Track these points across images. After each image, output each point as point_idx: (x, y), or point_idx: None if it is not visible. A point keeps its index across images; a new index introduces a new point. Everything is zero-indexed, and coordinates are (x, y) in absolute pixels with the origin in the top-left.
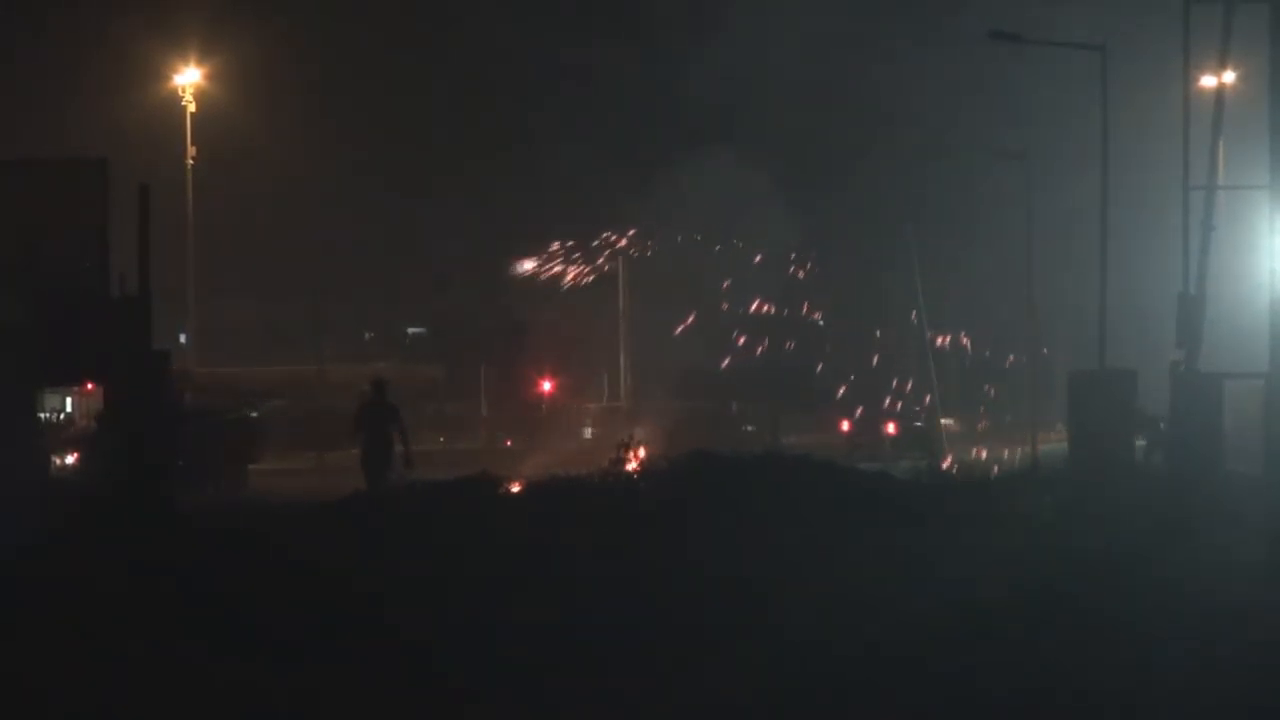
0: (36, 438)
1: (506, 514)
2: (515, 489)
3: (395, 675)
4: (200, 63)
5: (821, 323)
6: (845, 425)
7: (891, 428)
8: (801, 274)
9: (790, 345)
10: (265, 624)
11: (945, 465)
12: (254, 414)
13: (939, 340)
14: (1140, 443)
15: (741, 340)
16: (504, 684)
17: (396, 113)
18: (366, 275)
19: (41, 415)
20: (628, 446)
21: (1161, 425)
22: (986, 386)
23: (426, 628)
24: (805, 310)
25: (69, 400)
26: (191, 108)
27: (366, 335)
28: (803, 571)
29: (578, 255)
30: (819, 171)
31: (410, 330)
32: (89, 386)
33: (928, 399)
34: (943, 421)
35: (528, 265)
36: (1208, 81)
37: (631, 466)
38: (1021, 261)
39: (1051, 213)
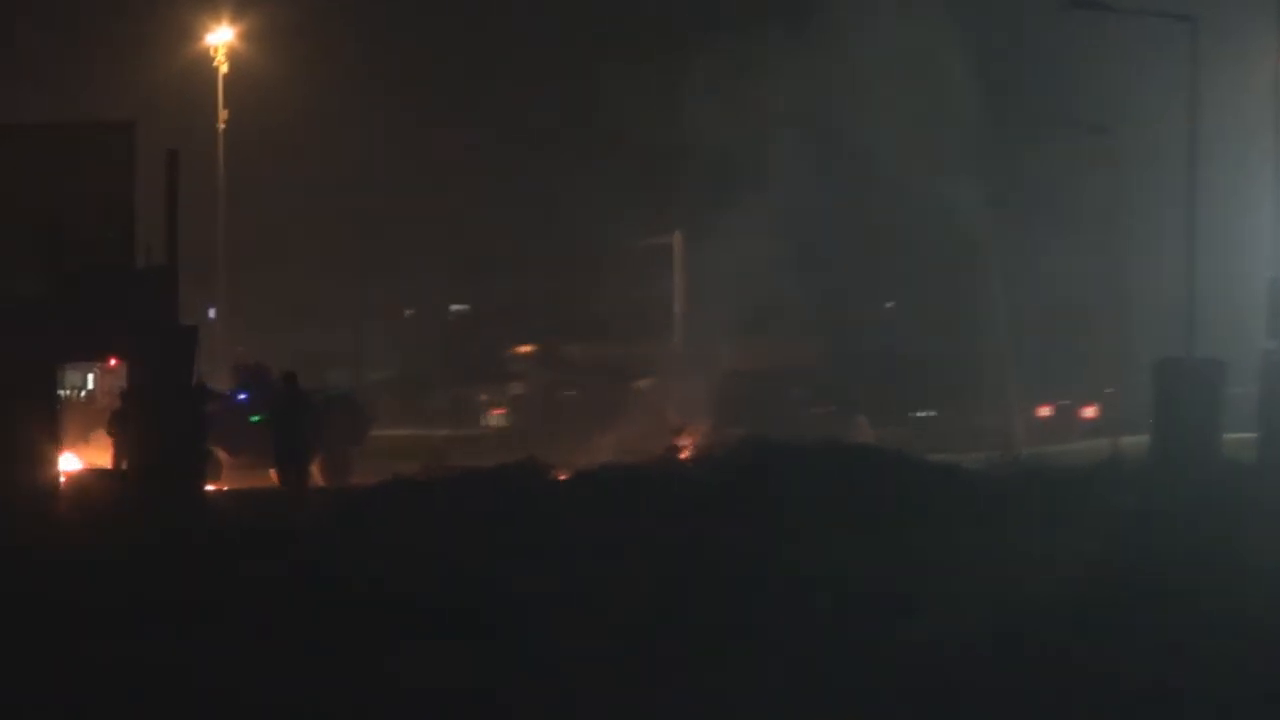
0: (53, 419)
1: (553, 506)
2: (562, 477)
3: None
4: (234, 21)
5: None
6: (1045, 410)
7: (1091, 411)
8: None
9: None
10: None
11: (1019, 457)
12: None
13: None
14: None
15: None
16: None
17: (447, 75)
18: (408, 248)
19: (62, 393)
20: (680, 433)
21: None
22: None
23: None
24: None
25: (90, 377)
26: (224, 69)
27: (406, 312)
28: (872, 572)
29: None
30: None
31: (453, 308)
32: (112, 363)
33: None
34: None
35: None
36: None
37: (685, 454)
38: (1099, 243)
39: (1133, 192)
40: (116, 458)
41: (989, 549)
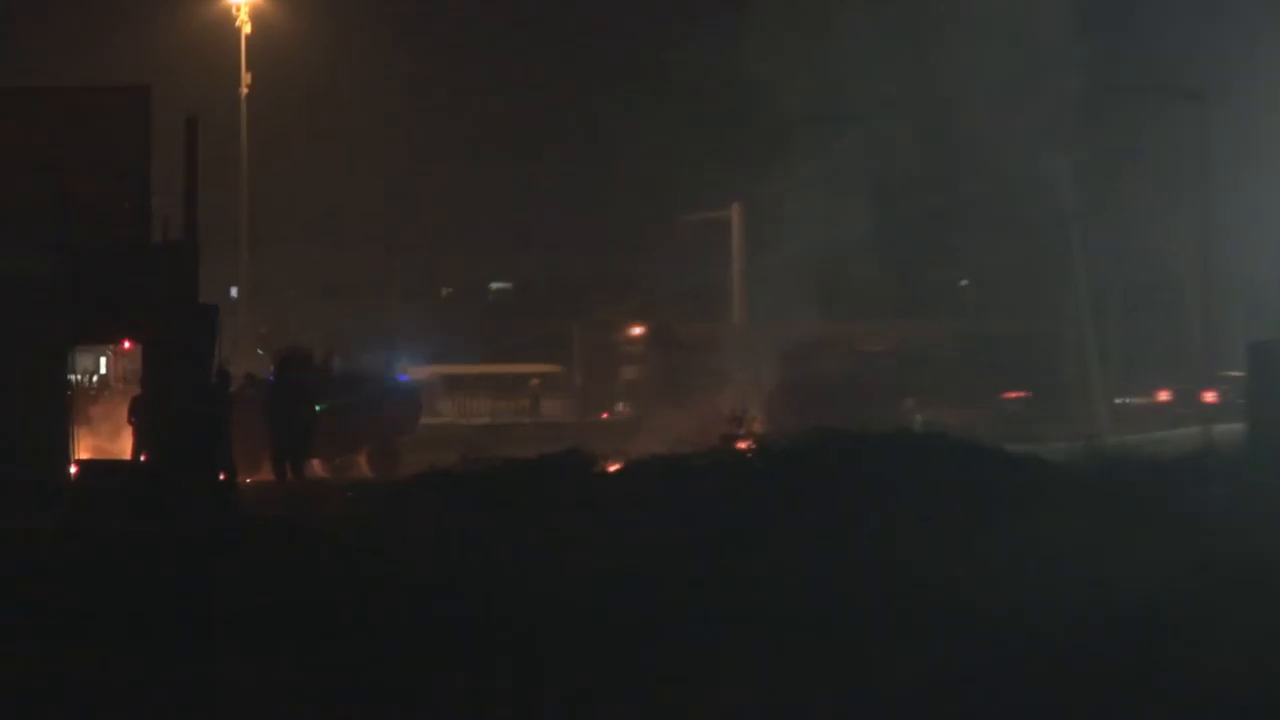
0: (64, 406)
1: (601, 499)
2: (611, 469)
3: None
4: None
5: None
6: (1164, 395)
7: (1212, 395)
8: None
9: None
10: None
11: (1104, 445)
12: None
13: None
14: None
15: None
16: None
17: (484, 38)
18: (445, 223)
19: (73, 378)
20: (740, 420)
21: None
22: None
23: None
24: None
25: (103, 361)
26: (247, 29)
27: (444, 291)
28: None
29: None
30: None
31: (493, 285)
32: (126, 345)
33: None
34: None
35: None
36: None
37: (745, 444)
38: (1182, 215)
39: (1229, 163)
40: (136, 448)
41: (1063, 544)
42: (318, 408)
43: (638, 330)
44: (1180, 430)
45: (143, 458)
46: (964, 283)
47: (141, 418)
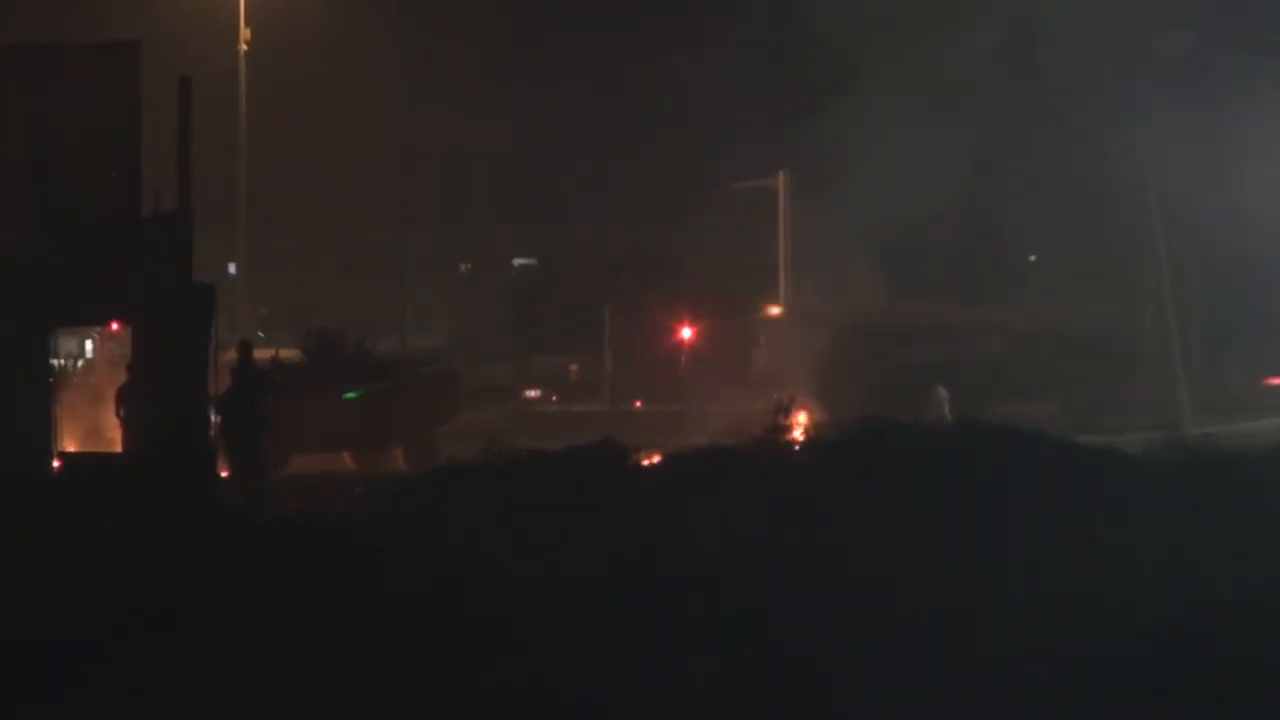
0: (47, 394)
1: (634, 495)
2: (646, 462)
3: None
4: None
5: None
6: (1277, 381)
7: None
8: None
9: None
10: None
11: (1186, 437)
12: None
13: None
14: None
15: None
16: None
17: None
18: (462, 194)
19: (55, 363)
20: (787, 410)
21: None
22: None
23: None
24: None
25: (89, 344)
26: None
27: (463, 267)
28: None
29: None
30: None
31: (517, 262)
32: (114, 327)
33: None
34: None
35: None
36: None
37: (796, 434)
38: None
39: None
40: (126, 440)
41: (1147, 547)
42: (348, 395)
43: (774, 310)
44: (1270, 421)
45: (132, 450)
46: (1032, 258)
47: (130, 408)
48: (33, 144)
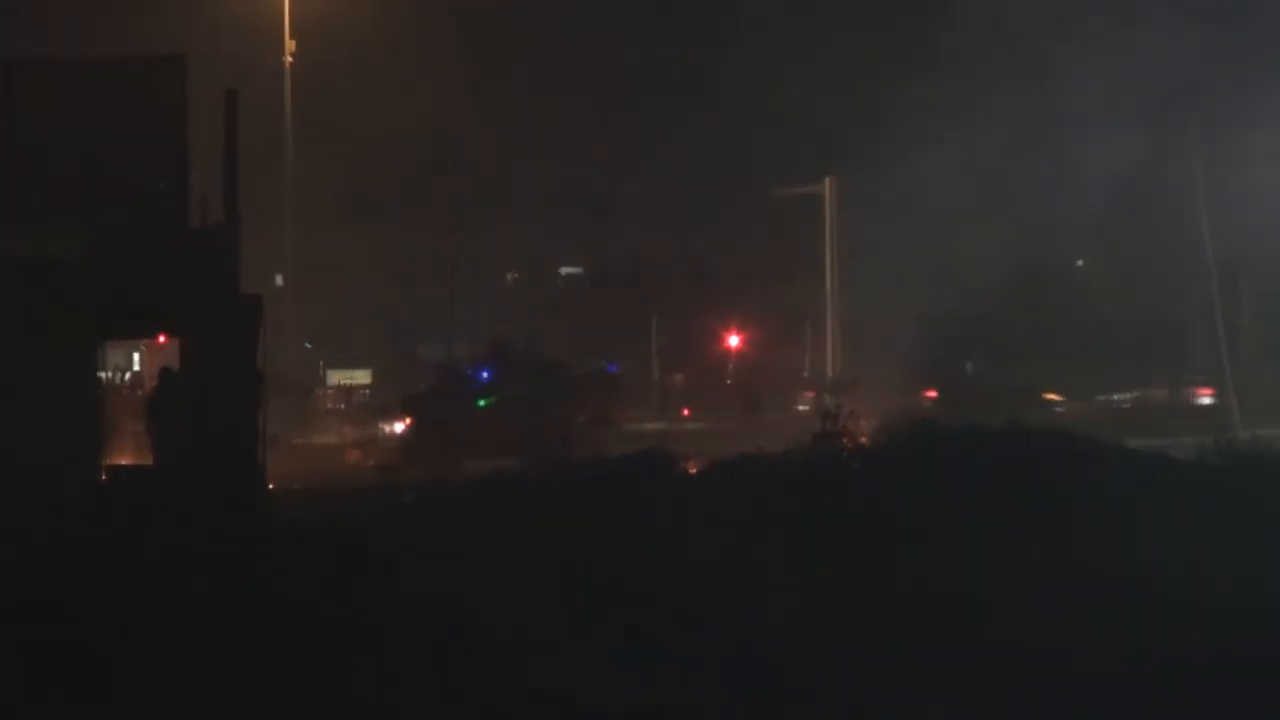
0: (94, 406)
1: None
2: (694, 470)
3: None
4: None
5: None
6: None
7: None
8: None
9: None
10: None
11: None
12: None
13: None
14: None
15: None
16: None
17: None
18: (509, 203)
19: (102, 375)
20: (836, 416)
21: None
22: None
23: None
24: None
25: (136, 356)
26: None
27: (510, 276)
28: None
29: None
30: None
31: (564, 270)
32: (162, 339)
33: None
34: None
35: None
36: None
37: (847, 440)
38: None
39: None
40: (157, 452)
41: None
42: (481, 403)
43: None
44: None
45: (171, 462)
46: (1079, 263)
47: (156, 418)
48: (80, 156)
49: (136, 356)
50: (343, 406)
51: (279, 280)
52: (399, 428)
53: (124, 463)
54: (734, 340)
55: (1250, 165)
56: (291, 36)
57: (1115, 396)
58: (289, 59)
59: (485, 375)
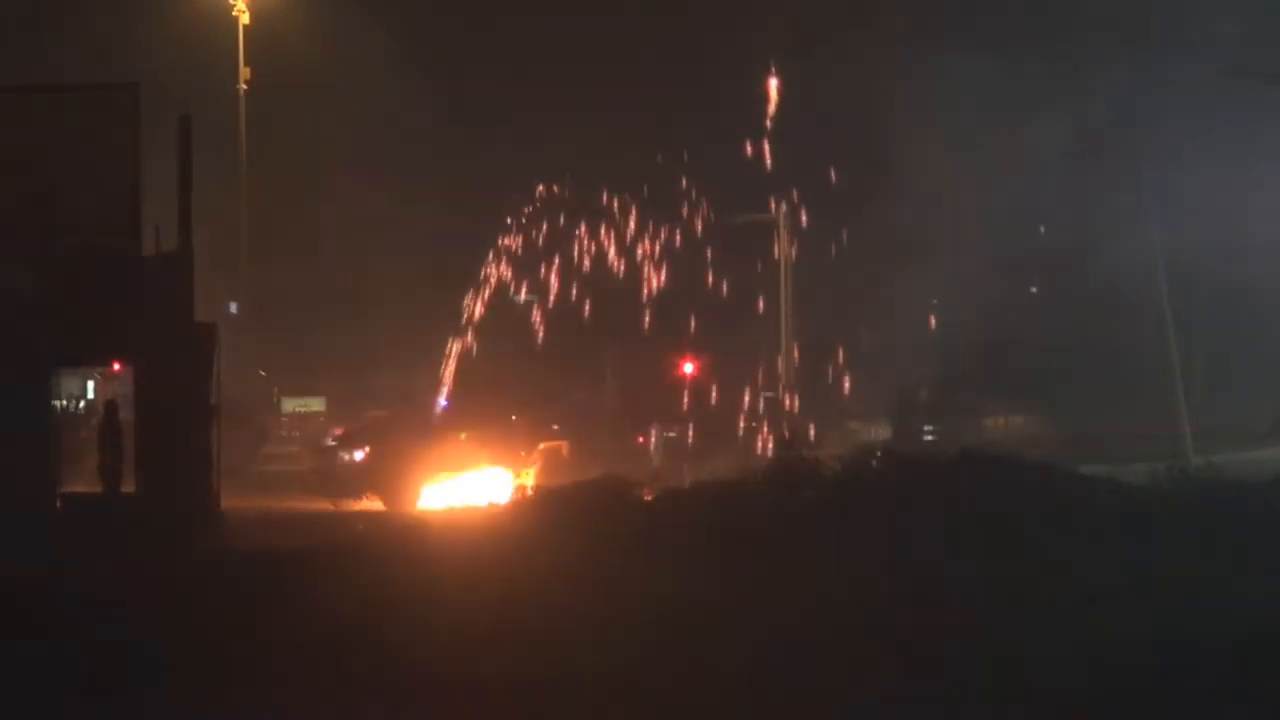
0: (48, 435)
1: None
2: (648, 497)
3: None
4: None
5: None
6: None
7: None
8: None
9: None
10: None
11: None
12: None
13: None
14: None
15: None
16: None
17: (504, 28)
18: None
19: (57, 404)
20: (792, 442)
21: None
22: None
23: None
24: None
25: (90, 385)
26: (245, 19)
27: (467, 301)
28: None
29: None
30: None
31: (521, 299)
32: (115, 367)
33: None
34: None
35: None
36: None
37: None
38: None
39: None
40: (105, 483)
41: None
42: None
43: None
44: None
45: (124, 490)
46: (1033, 290)
47: (106, 446)
48: (34, 183)
49: (90, 385)
50: (297, 434)
51: (233, 308)
52: (358, 456)
53: (78, 490)
54: (688, 367)
55: (1207, 192)
56: (246, 64)
57: (1070, 422)
58: (244, 86)
59: (444, 404)
